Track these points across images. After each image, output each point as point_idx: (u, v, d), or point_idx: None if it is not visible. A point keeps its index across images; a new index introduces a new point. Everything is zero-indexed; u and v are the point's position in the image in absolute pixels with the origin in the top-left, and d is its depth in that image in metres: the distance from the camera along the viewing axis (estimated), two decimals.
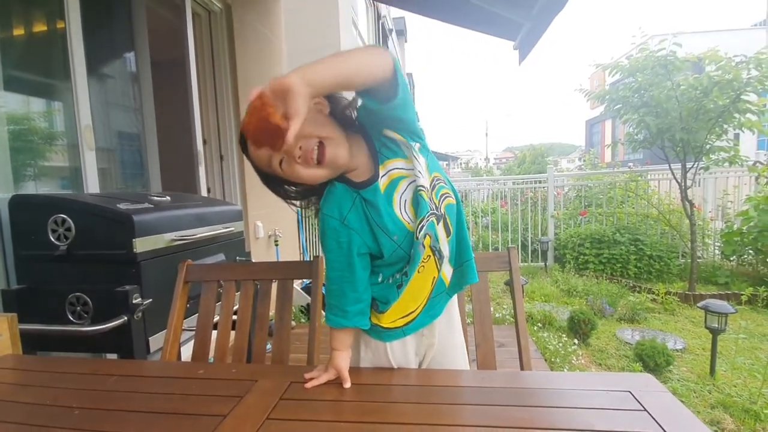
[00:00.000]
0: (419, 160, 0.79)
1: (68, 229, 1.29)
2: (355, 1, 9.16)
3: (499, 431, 0.62)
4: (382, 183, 0.80)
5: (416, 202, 0.79)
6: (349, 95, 0.81)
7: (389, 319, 0.85)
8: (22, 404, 0.77)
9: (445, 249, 0.83)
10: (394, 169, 0.80)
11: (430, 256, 0.82)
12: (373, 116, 0.79)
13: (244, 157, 0.83)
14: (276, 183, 0.83)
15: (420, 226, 0.79)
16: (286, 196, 0.87)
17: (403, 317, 0.85)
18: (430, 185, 0.80)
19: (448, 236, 0.83)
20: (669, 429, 0.60)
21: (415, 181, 0.79)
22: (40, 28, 1.94)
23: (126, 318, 1.22)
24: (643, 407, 0.66)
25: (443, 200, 0.82)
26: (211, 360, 1.15)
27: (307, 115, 0.68)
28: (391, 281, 0.85)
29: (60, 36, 1.79)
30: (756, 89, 3.24)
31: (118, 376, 0.88)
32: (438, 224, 0.81)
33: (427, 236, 0.80)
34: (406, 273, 0.83)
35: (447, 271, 0.86)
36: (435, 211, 0.80)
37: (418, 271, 0.82)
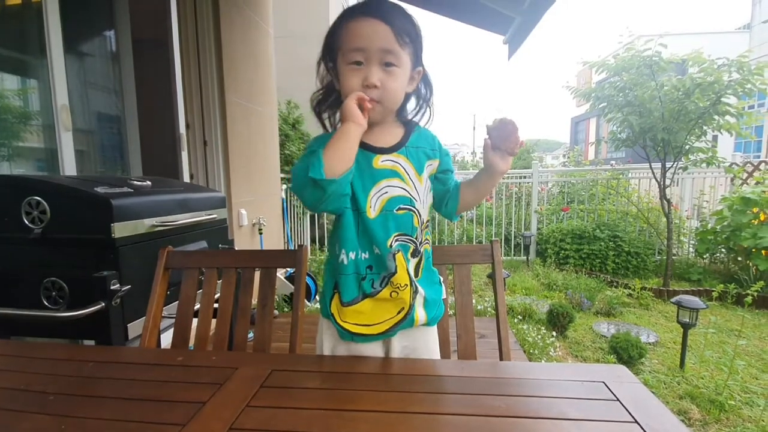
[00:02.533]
0: (427, 198, 0.87)
1: (43, 212, 1.25)
2: None
3: (477, 419, 0.64)
4: (381, 163, 0.81)
5: (404, 218, 0.82)
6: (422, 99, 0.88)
7: (346, 316, 0.84)
8: None
9: (421, 288, 0.86)
10: (401, 167, 0.82)
11: (407, 285, 0.83)
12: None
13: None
14: (330, 56, 0.82)
15: (395, 239, 0.81)
16: (323, 63, 0.85)
17: (357, 324, 0.84)
18: (423, 225, 0.85)
19: (417, 277, 0.86)
20: (639, 418, 0.62)
21: (406, 197, 0.82)
22: (13, 1, 1.85)
23: (103, 304, 1.19)
24: (616, 397, 0.69)
25: (424, 244, 0.87)
26: (191, 348, 1.14)
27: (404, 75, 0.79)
28: (355, 261, 0.82)
29: (35, 11, 1.71)
30: (736, 92, 3.33)
31: (94, 362, 0.86)
32: (412, 257, 0.84)
33: (401, 253, 0.82)
34: (371, 267, 0.82)
35: (420, 314, 0.87)
36: (416, 243, 0.84)
37: (390, 296, 0.83)
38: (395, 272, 0.82)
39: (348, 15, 0.78)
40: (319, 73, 0.86)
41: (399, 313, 0.84)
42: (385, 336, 0.86)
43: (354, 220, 0.81)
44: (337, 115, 0.86)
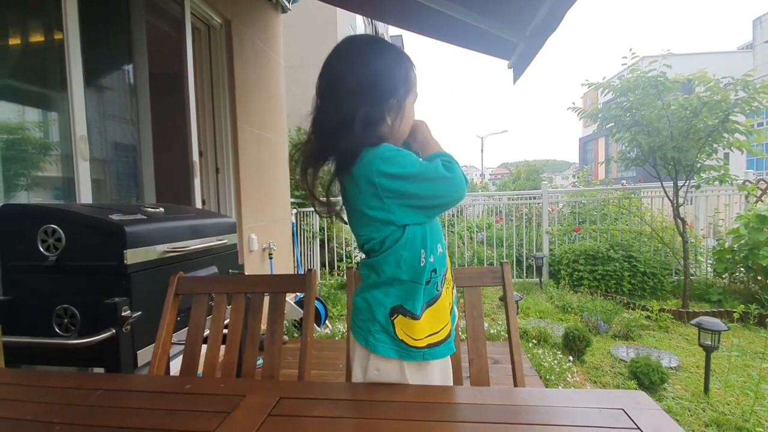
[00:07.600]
0: None
1: (58, 240, 1.27)
2: (354, 19, 9.34)
3: None
4: None
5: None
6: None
7: (420, 331, 0.83)
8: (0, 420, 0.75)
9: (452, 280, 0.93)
10: None
11: (450, 282, 0.91)
12: None
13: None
14: (405, 89, 0.86)
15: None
16: (399, 93, 0.86)
17: (429, 336, 0.84)
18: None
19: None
20: None
21: None
22: (37, 38, 1.95)
23: (114, 331, 1.19)
24: (636, 425, 0.66)
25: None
26: (200, 375, 1.13)
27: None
28: (430, 265, 0.84)
29: (58, 47, 1.80)
30: (743, 110, 3.32)
31: (102, 390, 0.86)
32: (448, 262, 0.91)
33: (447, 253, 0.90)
34: (435, 270, 0.84)
35: (454, 307, 0.94)
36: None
37: (446, 288, 0.88)
38: (446, 267, 0.88)
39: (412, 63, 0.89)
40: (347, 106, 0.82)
41: (450, 311, 0.90)
42: (451, 347, 0.89)
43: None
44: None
